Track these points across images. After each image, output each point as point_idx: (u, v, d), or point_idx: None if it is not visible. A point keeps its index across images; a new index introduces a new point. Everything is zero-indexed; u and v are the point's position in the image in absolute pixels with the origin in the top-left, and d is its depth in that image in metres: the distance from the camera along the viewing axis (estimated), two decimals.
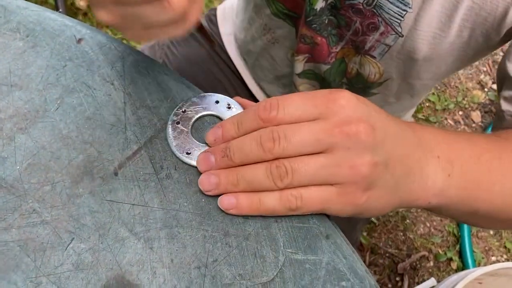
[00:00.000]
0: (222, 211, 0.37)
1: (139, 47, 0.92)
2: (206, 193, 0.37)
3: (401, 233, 1.36)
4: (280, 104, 0.35)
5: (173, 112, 0.41)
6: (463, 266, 1.34)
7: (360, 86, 0.66)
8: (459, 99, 1.57)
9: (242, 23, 0.77)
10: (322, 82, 0.69)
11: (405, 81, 0.63)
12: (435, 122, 1.52)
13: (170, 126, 0.40)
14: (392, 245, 1.34)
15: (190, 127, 0.40)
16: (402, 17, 0.52)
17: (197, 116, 0.41)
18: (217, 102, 0.42)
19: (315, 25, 0.60)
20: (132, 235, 0.36)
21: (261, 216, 0.37)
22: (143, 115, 0.41)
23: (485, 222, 0.48)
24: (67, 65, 0.42)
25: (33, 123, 0.40)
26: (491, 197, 0.42)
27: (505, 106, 0.51)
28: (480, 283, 1.05)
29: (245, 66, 0.82)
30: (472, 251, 1.35)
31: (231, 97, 0.42)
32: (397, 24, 0.53)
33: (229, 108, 0.41)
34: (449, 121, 1.54)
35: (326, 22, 0.59)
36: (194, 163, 0.38)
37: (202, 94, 0.42)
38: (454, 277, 1.00)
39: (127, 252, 0.36)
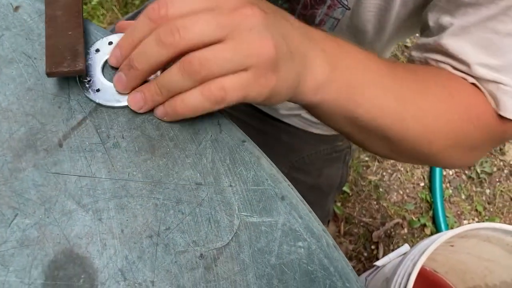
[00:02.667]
0: (174, 179, 0.36)
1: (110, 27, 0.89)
2: (139, 111, 0.37)
3: (375, 202, 1.37)
4: (169, 1, 0.34)
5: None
6: (437, 231, 1.36)
7: None
8: None
9: None
10: None
11: None
12: None
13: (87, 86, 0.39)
14: (366, 214, 1.35)
15: (101, 76, 0.39)
16: None
17: (100, 65, 0.40)
18: (110, 43, 0.40)
19: None
20: (80, 207, 0.35)
21: (214, 181, 0.36)
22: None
23: (364, 137, 0.48)
24: (3, 34, 0.40)
25: None
26: (371, 107, 0.42)
27: (413, 52, 0.52)
28: (452, 245, 1.07)
29: None
30: (444, 216, 1.37)
31: None
32: None
33: (110, 44, 0.40)
34: None
35: None
36: (120, 103, 0.38)
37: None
38: (426, 241, 1.01)
39: (75, 225, 0.34)
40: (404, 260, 0.97)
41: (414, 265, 0.92)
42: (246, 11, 0.34)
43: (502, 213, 1.44)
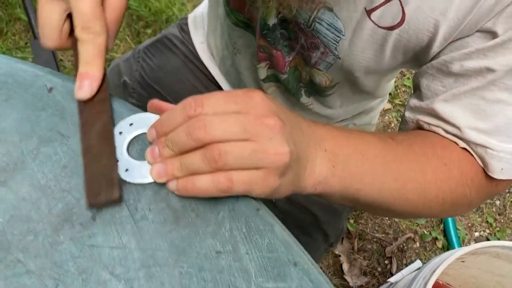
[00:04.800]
0: (196, 248, 0.40)
1: (112, 62, 0.94)
2: (158, 180, 0.41)
3: (387, 218, 1.40)
4: (205, 101, 0.39)
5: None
6: (448, 244, 1.39)
7: (315, 88, 0.71)
8: None
9: (213, 32, 0.80)
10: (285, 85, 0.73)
11: (354, 86, 0.68)
12: None
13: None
14: (379, 229, 1.39)
15: (128, 156, 0.43)
16: (337, 42, 0.56)
17: (124, 147, 0.44)
18: (131, 125, 0.44)
19: (269, 39, 0.63)
20: (113, 277, 0.39)
21: (233, 249, 0.40)
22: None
23: (369, 210, 0.54)
24: (40, 115, 0.44)
25: (12, 176, 0.42)
26: (370, 191, 0.47)
27: (407, 113, 0.57)
28: (463, 261, 1.10)
29: (220, 72, 0.84)
30: (456, 229, 1.40)
31: None
32: (333, 47, 0.57)
33: (131, 125, 0.44)
34: None
35: (279, 36, 0.63)
36: (147, 179, 0.42)
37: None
38: (437, 259, 1.04)
39: None
40: (417, 278, 1.00)
41: (426, 283, 0.95)
42: (269, 122, 0.38)
43: None
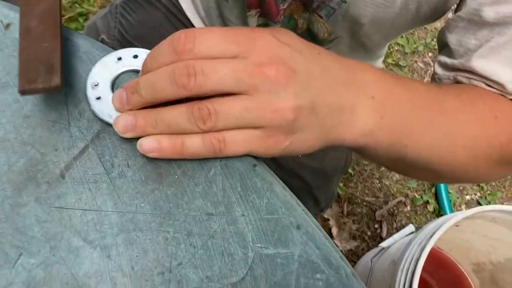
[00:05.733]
0: (184, 210, 0.34)
1: (89, 21, 0.86)
2: (122, 135, 0.35)
3: (377, 181, 1.36)
4: (198, 37, 0.32)
5: (90, 75, 0.37)
6: (439, 208, 1.36)
7: (311, 41, 0.64)
8: (428, 40, 1.54)
9: None
10: None
11: (355, 40, 0.62)
12: (405, 66, 1.50)
13: (90, 89, 0.37)
14: (369, 193, 1.35)
15: (110, 87, 0.37)
16: None
17: (115, 75, 0.38)
18: (135, 56, 0.38)
19: None
20: (87, 243, 0.33)
21: (226, 210, 0.34)
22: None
23: (412, 170, 0.48)
24: None
25: None
26: (419, 146, 0.41)
27: (438, 69, 0.50)
28: (457, 225, 1.07)
29: (204, 26, 0.77)
30: (447, 192, 1.37)
31: None
32: None
33: (135, 57, 0.38)
34: (419, 63, 1.52)
35: None
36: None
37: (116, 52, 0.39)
38: (433, 224, 1.01)
39: (82, 263, 0.33)
40: (412, 244, 0.97)
41: (422, 249, 0.92)
42: (270, 72, 0.32)
43: (504, 187, 1.44)
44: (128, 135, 0.35)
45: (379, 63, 0.84)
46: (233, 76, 0.32)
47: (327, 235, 0.35)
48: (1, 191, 0.34)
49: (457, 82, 0.48)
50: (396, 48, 1.52)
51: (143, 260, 0.33)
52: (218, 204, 0.35)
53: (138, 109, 0.35)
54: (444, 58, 0.49)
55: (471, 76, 0.46)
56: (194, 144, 0.33)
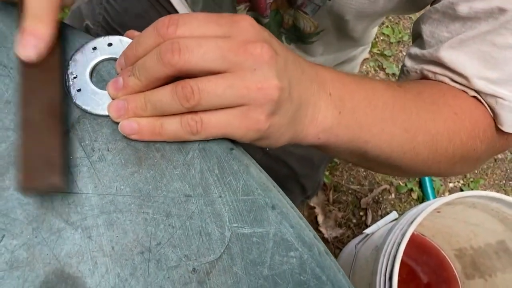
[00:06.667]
0: (163, 192, 0.35)
1: (73, 5, 0.86)
2: (116, 119, 0.36)
3: (362, 169, 1.38)
4: (181, 20, 0.33)
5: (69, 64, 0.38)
6: (423, 195, 1.38)
7: (298, 35, 0.65)
8: None
9: None
10: None
11: (341, 32, 0.63)
12: (390, 56, 1.52)
13: (70, 82, 0.37)
14: (354, 181, 1.37)
15: (88, 77, 0.38)
16: None
17: (92, 65, 0.38)
18: (110, 44, 0.39)
19: None
20: (68, 225, 0.34)
21: (204, 192, 0.35)
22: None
23: (375, 165, 0.49)
24: None
25: None
26: (379, 142, 0.42)
27: (407, 62, 0.51)
28: (439, 211, 1.09)
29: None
30: (431, 180, 1.39)
31: None
32: None
33: (109, 46, 0.39)
34: (404, 53, 1.54)
35: None
36: (104, 111, 0.36)
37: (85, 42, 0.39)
38: (414, 210, 1.03)
39: (64, 244, 0.34)
40: (393, 230, 0.99)
41: (404, 234, 0.94)
42: (254, 50, 0.32)
43: (486, 174, 1.47)
44: (121, 119, 0.35)
45: (366, 52, 0.86)
46: (218, 52, 0.32)
47: (301, 214, 0.37)
48: None
49: (423, 76, 0.49)
50: (382, 38, 1.54)
51: (123, 240, 0.34)
52: (196, 186, 0.36)
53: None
54: (415, 50, 0.50)
55: (437, 70, 0.47)
56: (173, 125, 0.34)
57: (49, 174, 0.32)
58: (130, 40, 0.39)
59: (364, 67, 1.49)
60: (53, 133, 0.34)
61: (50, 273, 0.33)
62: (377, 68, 1.49)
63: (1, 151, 0.36)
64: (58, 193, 0.35)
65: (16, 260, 0.33)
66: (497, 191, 1.38)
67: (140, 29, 0.80)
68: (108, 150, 0.36)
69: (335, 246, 1.28)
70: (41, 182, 0.32)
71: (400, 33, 1.54)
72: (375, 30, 0.78)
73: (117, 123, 0.36)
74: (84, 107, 0.37)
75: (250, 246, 0.35)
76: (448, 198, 0.96)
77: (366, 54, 0.86)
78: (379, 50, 1.52)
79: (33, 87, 0.35)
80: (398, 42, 1.54)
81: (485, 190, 1.43)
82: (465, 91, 0.47)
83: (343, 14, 0.55)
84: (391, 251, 0.95)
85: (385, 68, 1.48)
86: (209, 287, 0.34)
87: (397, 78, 0.55)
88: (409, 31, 1.55)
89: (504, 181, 1.45)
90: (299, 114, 0.37)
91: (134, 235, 0.34)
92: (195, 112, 0.34)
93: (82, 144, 0.36)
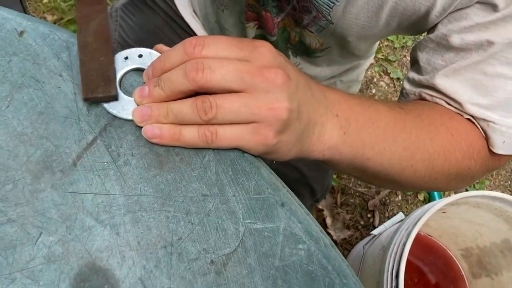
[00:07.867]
0: (182, 192, 0.39)
1: None
2: (139, 124, 0.40)
3: None
4: (206, 42, 0.37)
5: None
6: (429, 197, 1.41)
7: (304, 50, 0.69)
8: (416, 35, 1.59)
9: None
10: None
11: (344, 50, 0.67)
12: (394, 61, 1.55)
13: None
14: (361, 184, 1.40)
15: (118, 84, 0.42)
16: (331, 8, 0.54)
17: (122, 73, 0.43)
18: (140, 56, 0.43)
19: None
20: (98, 223, 0.38)
21: (219, 192, 0.39)
22: (94, 104, 0.41)
23: (375, 180, 0.53)
24: (11, 60, 0.42)
25: None
26: (380, 160, 0.46)
27: (406, 85, 0.55)
28: (444, 212, 1.12)
29: (203, 30, 0.81)
30: None
31: None
32: (327, 13, 0.55)
33: (140, 57, 0.43)
34: (408, 58, 1.57)
35: None
36: (129, 116, 0.40)
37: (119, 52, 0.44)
38: (419, 210, 1.05)
39: (95, 240, 0.38)
40: (399, 230, 1.01)
41: (409, 234, 0.96)
42: (269, 74, 0.37)
43: (492, 176, 1.49)
44: (143, 124, 0.40)
45: (371, 59, 0.89)
46: (237, 74, 0.36)
47: (307, 211, 0.40)
48: (21, 179, 0.39)
49: (422, 98, 0.53)
50: (386, 44, 1.57)
51: (147, 236, 0.38)
52: (212, 186, 0.40)
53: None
54: (413, 74, 0.54)
55: (433, 93, 0.51)
56: (190, 133, 0.38)
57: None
58: (158, 54, 0.43)
59: (369, 72, 1.53)
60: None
61: (83, 266, 0.37)
62: (381, 73, 1.52)
63: (37, 157, 0.40)
64: (88, 193, 0.39)
65: (52, 254, 0.37)
66: (503, 192, 1.41)
67: (154, 44, 0.84)
68: (133, 155, 0.40)
69: (344, 248, 1.31)
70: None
71: (404, 38, 1.57)
72: (375, 47, 0.81)
73: (140, 130, 0.40)
74: (110, 110, 0.41)
75: (262, 240, 0.38)
76: (451, 198, 0.99)
77: (371, 61, 0.89)
78: (383, 55, 1.55)
79: (85, 17, 0.43)
80: (402, 47, 1.57)
81: (490, 190, 1.45)
82: (460, 114, 0.50)
83: (345, 35, 0.59)
84: (397, 250, 0.97)
85: (390, 73, 1.52)
86: (225, 277, 0.37)
87: (401, 82, 0.59)
88: (412, 36, 1.58)
89: (509, 182, 1.48)
90: (307, 133, 0.41)
91: (158, 231, 0.38)
92: (212, 124, 0.38)
93: (108, 150, 0.40)
